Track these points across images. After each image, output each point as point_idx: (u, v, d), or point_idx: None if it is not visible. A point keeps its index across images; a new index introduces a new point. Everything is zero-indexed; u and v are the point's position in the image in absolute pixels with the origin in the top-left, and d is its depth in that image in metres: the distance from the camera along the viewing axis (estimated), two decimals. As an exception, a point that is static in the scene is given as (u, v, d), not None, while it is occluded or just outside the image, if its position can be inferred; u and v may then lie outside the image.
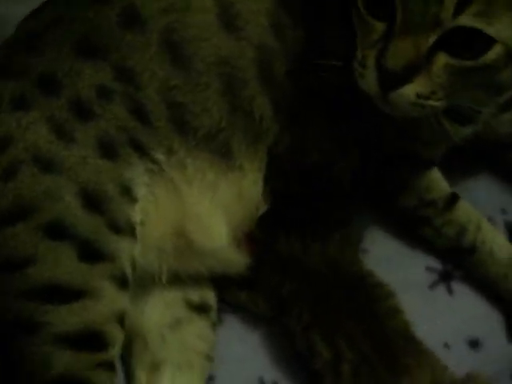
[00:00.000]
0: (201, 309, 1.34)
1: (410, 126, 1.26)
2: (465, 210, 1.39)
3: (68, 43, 1.24)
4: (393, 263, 1.43)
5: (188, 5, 1.26)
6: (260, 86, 1.28)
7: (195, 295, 1.34)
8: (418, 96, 1.07)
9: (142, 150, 1.24)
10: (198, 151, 1.27)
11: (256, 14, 1.27)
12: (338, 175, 1.36)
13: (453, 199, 1.38)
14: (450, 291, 1.42)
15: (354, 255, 1.38)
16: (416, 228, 1.41)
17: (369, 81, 1.10)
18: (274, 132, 1.30)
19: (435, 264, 1.44)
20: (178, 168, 1.26)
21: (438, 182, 1.39)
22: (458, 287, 1.43)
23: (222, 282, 1.37)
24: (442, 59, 1.06)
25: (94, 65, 1.23)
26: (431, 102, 1.09)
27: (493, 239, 1.37)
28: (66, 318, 1.14)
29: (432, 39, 1.05)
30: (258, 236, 1.32)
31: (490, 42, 1.04)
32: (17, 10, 1.38)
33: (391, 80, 1.07)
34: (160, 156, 1.25)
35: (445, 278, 1.43)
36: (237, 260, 1.31)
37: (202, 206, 1.28)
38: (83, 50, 1.24)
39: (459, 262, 1.41)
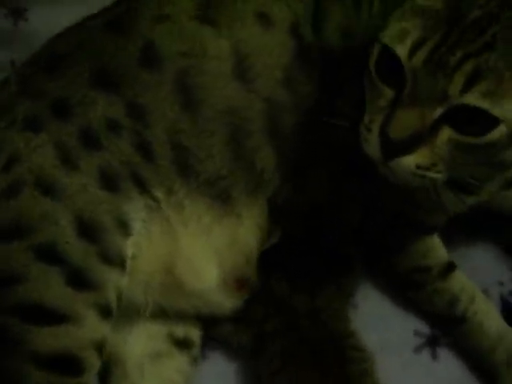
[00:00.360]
0: (183, 344, 1.37)
1: (412, 192, 1.25)
2: (460, 280, 1.39)
3: (87, 71, 1.28)
4: (381, 322, 1.44)
5: (205, 51, 1.29)
6: (265, 139, 1.30)
7: (179, 330, 1.37)
8: (418, 167, 1.09)
9: (142, 187, 1.27)
10: (198, 194, 1.30)
11: (270, 67, 1.30)
12: (336, 231, 1.37)
13: (449, 268, 1.39)
14: (434, 356, 1.43)
15: (342, 312, 1.39)
16: (408, 291, 1.42)
17: (372, 146, 1.12)
18: (274, 184, 1.33)
19: (424, 328, 1.45)
20: (175, 208, 1.29)
21: (436, 248, 1.40)
22: (443, 353, 1.43)
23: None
24: (445, 133, 1.07)
25: (108, 97, 1.27)
26: (431, 174, 1.10)
27: (485, 312, 1.37)
28: (47, 339, 1.18)
29: (438, 113, 1.06)
30: (250, 281, 1.34)
31: (495, 121, 1.05)
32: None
33: (393, 149, 1.08)
34: (160, 194, 1.28)
35: (431, 342, 1.43)
36: (224, 303, 1.34)
37: (194, 247, 1.31)
38: (100, 80, 1.27)
39: (448, 329, 1.41)
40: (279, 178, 1.33)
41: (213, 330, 1.41)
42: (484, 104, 1.03)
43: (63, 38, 1.34)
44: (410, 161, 1.08)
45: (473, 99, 1.03)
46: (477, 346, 1.38)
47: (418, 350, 1.44)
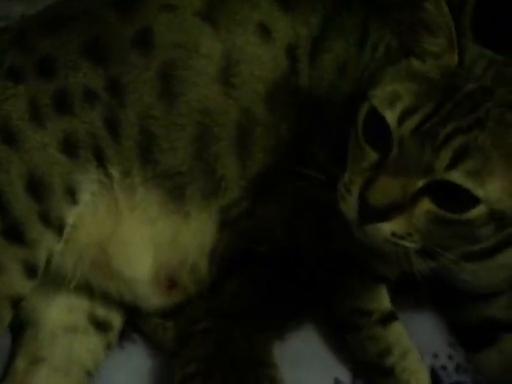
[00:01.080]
0: (101, 326, 1.37)
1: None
2: (397, 332, 1.37)
3: (82, 38, 1.29)
4: (304, 362, 1.43)
5: (198, 48, 1.30)
6: (231, 148, 1.30)
7: (101, 311, 1.37)
8: (394, 234, 1.07)
9: (101, 161, 1.28)
10: (153, 184, 1.30)
11: (256, 79, 1.30)
12: (285, 262, 1.37)
13: (390, 317, 1.37)
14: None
15: (272, 342, 1.38)
16: (345, 332, 1.40)
17: (349, 208, 1.09)
18: (231, 195, 1.32)
19: (344, 378, 1.43)
20: (127, 191, 1.29)
21: (381, 296, 1.38)
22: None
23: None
24: (425, 205, 1.05)
25: (93, 67, 1.28)
26: (405, 242, 1.08)
27: (414, 372, 1.34)
28: None
29: (420, 184, 1.04)
30: (180, 284, 1.33)
31: (475, 200, 1.03)
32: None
33: (370, 214, 1.06)
34: (116, 174, 1.29)
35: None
36: (151, 298, 1.34)
37: (134, 234, 1.30)
38: (91, 50, 1.29)
39: (371, 379, 1.39)
40: (237, 191, 1.32)
41: (140, 320, 1.41)
42: (468, 183, 1.01)
43: (71, 1, 1.35)
44: (385, 228, 1.06)
45: (457, 177, 1.01)
46: None
47: (337, 399, 1.39)
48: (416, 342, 1.39)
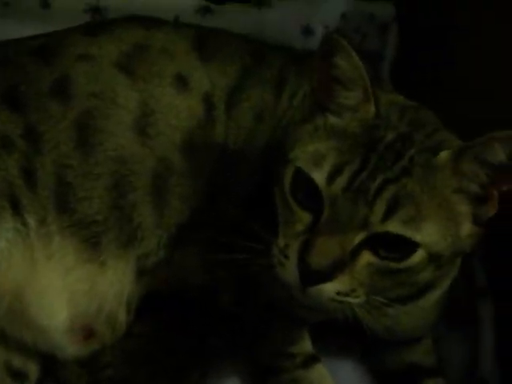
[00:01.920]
0: (17, 376, 1.36)
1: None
2: (321, 373, 1.37)
3: (0, 85, 1.30)
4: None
5: (114, 98, 1.31)
6: (147, 197, 1.31)
7: (17, 361, 1.35)
8: (338, 293, 1.07)
9: (17, 209, 1.28)
10: (69, 233, 1.30)
11: (172, 128, 1.31)
12: (205, 307, 1.37)
13: (313, 359, 1.37)
14: None
15: None
16: (267, 376, 1.39)
17: (289, 272, 1.09)
18: (147, 244, 1.33)
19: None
20: (43, 240, 1.29)
21: (303, 339, 1.38)
22: None
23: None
24: (365, 258, 1.06)
25: (10, 114, 1.29)
26: (349, 299, 1.08)
27: None
28: None
29: (358, 239, 1.05)
30: (97, 334, 1.33)
31: (414, 246, 1.04)
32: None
33: (313, 277, 1.06)
34: (32, 222, 1.28)
35: None
36: (65, 347, 1.33)
37: (50, 283, 1.30)
38: (9, 97, 1.30)
39: None
40: (154, 240, 1.32)
41: (57, 367, 1.39)
42: (405, 232, 1.03)
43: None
44: (329, 288, 1.06)
45: (393, 227, 1.03)
46: None
47: None
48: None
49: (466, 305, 1.55)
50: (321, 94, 1.13)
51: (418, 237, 1.03)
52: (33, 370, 1.37)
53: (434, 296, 1.29)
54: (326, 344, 1.45)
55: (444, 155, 1.07)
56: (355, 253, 1.05)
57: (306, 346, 1.38)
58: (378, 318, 1.23)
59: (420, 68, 1.69)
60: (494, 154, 1.05)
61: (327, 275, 1.05)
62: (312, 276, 1.05)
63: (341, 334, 1.46)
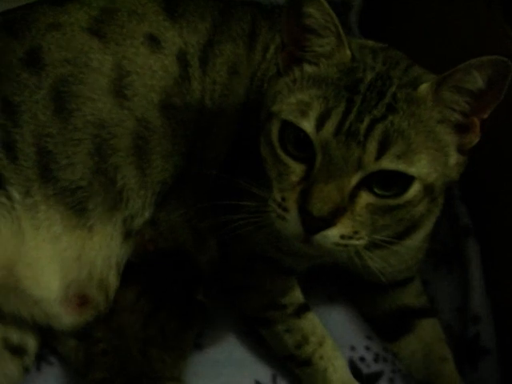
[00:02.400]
0: (16, 351, 1.35)
1: (278, 236, 1.24)
2: (312, 321, 1.38)
3: None
4: (224, 368, 1.44)
5: (88, 63, 1.30)
6: (129, 158, 1.31)
7: (15, 336, 1.35)
8: (342, 237, 1.07)
9: (0, 184, 1.25)
10: (54, 201, 1.29)
11: (148, 88, 1.31)
12: (192, 265, 1.37)
13: (303, 308, 1.38)
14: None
15: (176, 356, 1.37)
16: (260, 328, 1.41)
17: (291, 224, 1.09)
18: (132, 205, 1.33)
19: (265, 379, 1.44)
20: (29, 210, 1.28)
21: (293, 289, 1.39)
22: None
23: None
24: (364, 199, 1.07)
25: None
26: (353, 241, 1.09)
27: (331, 359, 1.36)
28: None
29: (355, 180, 1.06)
30: (91, 300, 1.33)
31: (410, 180, 1.06)
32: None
33: (316, 225, 1.06)
34: (16, 194, 1.28)
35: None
36: (61, 316, 1.33)
37: (40, 253, 1.29)
38: None
39: (294, 378, 1.40)
40: (139, 201, 1.32)
41: (56, 341, 1.40)
42: (399, 166, 1.05)
43: None
44: (333, 233, 1.07)
45: (387, 164, 1.04)
46: None
47: (257, 400, 1.39)
48: (333, 336, 1.41)
49: (451, 245, 1.56)
50: (293, 45, 1.13)
51: (412, 170, 1.05)
52: (31, 344, 1.37)
53: (420, 235, 1.31)
54: (315, 293, 1.48)
55: (424, 87, 1.08)
56: (353, 195, 1.06)
57: (297, 295, 1.39)
58: (367, 260, 1.24)
59: (386, 16, 1.70)
60: (472, 82, 1.06)
61: (330, 221, 1.05)
62: (315, 223, 1.06)
63: (330, 287, 1.48)
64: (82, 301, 1.32)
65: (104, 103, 1.30)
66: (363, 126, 1.05)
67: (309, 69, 1.13)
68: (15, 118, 1.28)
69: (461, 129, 1.10)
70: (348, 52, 1.11)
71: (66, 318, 1.32)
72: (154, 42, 1.32)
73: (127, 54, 1.32)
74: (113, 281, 1.33)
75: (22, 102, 1.28)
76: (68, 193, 1.30)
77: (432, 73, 1.14)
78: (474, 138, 1.11)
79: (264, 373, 1.43)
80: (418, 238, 1.31)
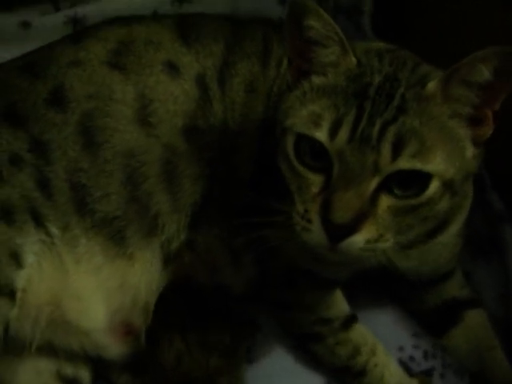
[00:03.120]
0: (71, 383, 1.38)
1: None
2: (361, 332, 1.40)
3: None
4: (276, 380, 1.45)
5: (111, 95, 1.33)
6: (160, 184, 1.33)
7: (69, 369, 1.38)
8: (367, 241, 1.09)
9: (39, 221, 1.30)
10: (93, 233, 1.32)
11: (172, 114, 1.34)
12: (229, 287, 1.41)
13: (351, 319, 1.40)
14: (331, 418, 1.40)
15: (237, 370, 1.40)
16: (310, 344, 1.42)
17: (316, 235, 1.11)
18: (168, 229, 1.35)
19: (319, 386, 1.42)
20: (69, 245, 1.31)
21: (338, 301, 1.41)
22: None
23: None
24: (384, 201, 1.08)
25: (14, 132, 1.31)
26: (380, 245, 1.10)
27: (386, 365, 1.38)
28: None
29: (373, 185, 1.07)
30: (136, 327, 1.35)
31: (428, 177, 1.07)
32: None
33: (340, 233, 1.08)
34: (55, 230, 1.31)
35: (328, 401, 1.40)
36: (110, 346, 1.35)
37: (84, 285, 1.32)
38: (8, 116, 1.32)
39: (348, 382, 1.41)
40: (174, 224, 1.35)
41: (111, 374, 1.42)
42: (416, 165, 1.06)
43: None
44: (358, 239, 1.08)
45: (404, 164, 1.06)
46: None
47: (311, 409, 1.40)
48: (380, 339, 1.43)
49: (487, 234, 1.57)
50: (299, 59, 1.16)
51: (429, 167, 1.06)
52: (85, 376, 1.40)
53: (452, 231, 1.32)
54: (359, 299, 1.48)
55: (432, 85, 1.10)
56: (374, 199, 1.08)
57: (342, 308, 1.41)
58: (406, 259, 1.25)
59: (399, 17, 1.71)
60: (478, 74, 1.08)
61: (353, 227, 1.07)
62: (339, 232, 1.07)
63: (373, 289, 1.49)
64: (127, 329, 1.35)
65: (131, 133, 1.32)
66: (375, 130, 1.06)
67: (317, 80, 1.15)
68: (46, 156, 1.31)
69: (474, 122, 1.11)
70: (353, 58, 1.13)
71: (114, 347, 1.35)
72: (172, 68, 1.35)
73: (148, 82, 1.34)
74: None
75: (51, 140, 1.31)
76: (105, 224, 1.32)
77: (440, 70, 1.15)
78: (487, 130, 1.12)
79: (317, 381, 1.44)
80: (450, 234, 1.32)
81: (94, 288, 1.32)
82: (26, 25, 1.82)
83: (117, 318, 1.34)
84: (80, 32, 1.48)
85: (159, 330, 1.37)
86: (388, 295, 1.51)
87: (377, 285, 1.48)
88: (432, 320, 1.49)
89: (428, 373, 1.45)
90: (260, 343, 1.47)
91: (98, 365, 1.41)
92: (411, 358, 1.47)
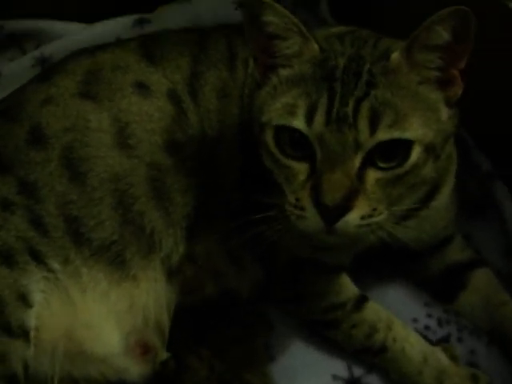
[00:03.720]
0: None
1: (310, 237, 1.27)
2: (374, 309, 1.42)
3: None
4: (299, 372, 1.46)
5: (87, 125, 1.36)
6: (151, 202, 1.36)
7: None
8: (362, 217, 1.12)
9: (39, 259, 1.32)
10: (93, 262, 1.35)
11: (150, 132, 1.37)
12: (236, 291, 1.43)
13: (362, 300, 1.41)
14: (356, 399, 1.41)
15: (261, 368, 1.41)
16: (326, 331, 1.44)
17: (311, 220, 1.14)
18: (166, 244, 1.37)
19: (342, 371, 1.46)
20: (73, 276, 1.34)
21: (346, 284, 1.43)
22: (366, 394, 1.41)
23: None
24: (372, 175, 1.12)
25: (1, 178, 1.34)
26: (374, 219, 1.13)
27: (405, 337, 1.39)
28: None
29: (358, 161, 1.11)
30: (152, 346, 1.37)
31: (409, 145, 1.10)
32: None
33: (334, 214, 1.11)
34: (56, 265, 1.33)
35: (351, 384, 1.42)
36: (129, 368, 1.37)
37: (93, 313, 1.34)
38: None
39: (370, 364, 1.43)
40: (170, 239, 1.37)
41: None
42: (394, 134, 1.09)
43: None
44: (353, 216, 1.11)
45: (383, 135, 1.09)
46: (403, 373, 1.39)
47: (339, 395, 1.42)
48: (393, 314, 1.44)
49: (479, 194, 1.60)
50: (263, 55, 1.19)
51: (407, 134, 1.09)
52: None
53: (444, 195, 1.35)
54: (366, 279, 1.50)
55: (396, 56, 1.13)
56: (361, 176, 1.11)
57: (351, 289, 1.43)
58: (405, 231, 1.27)
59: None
60: (437, 37, 1.11)
61: (346, 206, 1.10)
62: (333, 213, 1.10)
63: (377, 269, 1.52)
64: (144, 349, 1.36)
65: (113, 158, 1.35)
66: (350, 109, 1.09)
67: (284, 72, 1.18)
68: (35, 195, 1.33)
69: (443, 84, 1.14)
70: (315, 45, 1.16)
71: (134, 368, 1.37)
72: (142, 88, 1.38)
73: (121, 106, 1.37)
74: (166, 322, 1.38)
75: (37, 179, 1.34)
76: (104, 250, 1.35)
77: (400, 40, 1.18)
78: (457, 90, 1.16)
79: (339, 366, 1.46)
80: (442, 198, 1.35)
81: (104, 314, 1.35)
82: (-6, 74, 1.83)
83: (131, 340, 1.36)
84: (48, 70, 1.50)
85: (182, 352, 1.38)
86: (393, 271, 1.53)
87: (380, 263, 1.50)
88: (440, 288, 1.51)
89: (445, 339, 1.46)
90: (277, 340, 1.48)
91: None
92: (426, 328, 1.48)
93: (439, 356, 1.38)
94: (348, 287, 1.42)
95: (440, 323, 1.49)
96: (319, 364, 1.46)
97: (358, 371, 1.45)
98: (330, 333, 1.43)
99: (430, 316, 1.50)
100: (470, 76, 1.14)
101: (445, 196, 1.35)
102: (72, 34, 1.83)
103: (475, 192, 1.60)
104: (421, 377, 1.37)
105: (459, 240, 1.50)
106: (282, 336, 1.48)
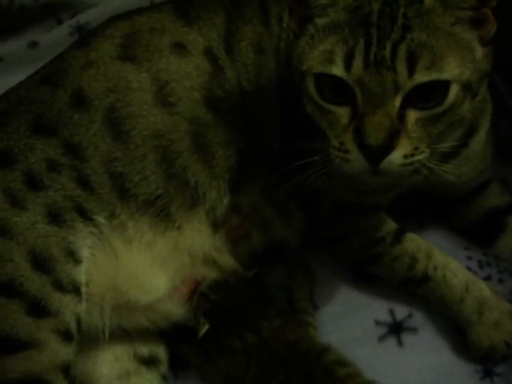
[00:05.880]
0: (150, 362, 1.45)
1: (350, 179, 1.32)
2: (413, 239, 1.46)
3: (26, 122, 1.40)
4: (341, 318, 1.50)
5: (128, 85, 1.40)
6: (193, 156, 1.40)
7: (144, 349, 1.45)
8: (405, 156, 1.15)
9: (85, 216, 1.37)
10: (139, 215, 1.39)
11: (189, 89, 1.40)
12: (285, 243, 1.48)
13: (400, 232, 1.45)
14: (400, 343, 1.47)
15: (310, 334, 1.45)
16: (368, 267, 1.49)
17: (356, 162, 1.17)
18: (210, 197, 1.41)
19: (384, 317, 1.49)
20: (118, 230, 1.39)
21: (384, 219, 1.47)
22: (408, 339, 1.47)
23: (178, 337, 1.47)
24: (412, 116, 1.14)
25: (46, 141, 1.38)
26: (417, 157, 1.16)
27: (445, 265, 1.43)
28: (12, 366, 1.27)
29: (398, 102, 1.13)
30: (200, 280, 1.43)
31: (446, 85, 1.13)
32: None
33: (378, 154, 1.14)
34: (102, 220, 1.38)
35: (394, 330, 1.48)
36: (174, 309, 1.42)
37: (138, 262, 1.40)
38: (38, 128, 1.39)
39: (415, 292, 1.47)
40: (214, 191, 1.41)
41: (189, 355, 1.48)
42: (432, 75, 1.12)
43: (5, 97, 1.46)
44: (396, 155, 1.14)
45: (421, 77, 1.11)
46: (445, 303, 1.43)
47: (382, 339, 1.48)
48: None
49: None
50: (299, 7, 1.22)
51: (444, 74, 1.12)
52: (161, 352, 1.47)
53: (481, 135, 1.39)
54: (406, 227, 1.51)
55: None
56: (401, 116, 1.14)
57: (390, 224, 1.46)
58: (441, 178, 1.29)
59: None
60: None
61: (388, 146, 1.13)
62: (376, 153, 1.13)
63: (415, 215, 1.55)
64: (192, 283, 1.43)
65: (154, 115, 1.39)
66: (387, 52, 1.12)
67: (320, 21, 1.20)
68: (81, 155, 1.38)
69: (476, 23, 1.16)
70: None
71: (178, 308, 1.42)
72: (180, 48, 1.42)
73: (160, 66, 1.41)
74: (218, 257, 1.44)
75: (82, 140, 1.38)
76: (149, 204, 1.39)
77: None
78: (491, 28, 1.18)
79: (381, 310, 1.49)
80: (479, 139, 1.38)
81: (148, 262, 1.40)
82: (34, 44, 1.91)
83: (177, 279, 1.41)
84: (86, 36, 1.53)
85: (225, 334, 1.43)
86: (432, 217, 1.56)
87: (420, 210, 1.53)
88: (478, 232, 1.54)
89: (486, 280, 1.48)
90: (319, 290, 1.53)
91: (175, 343, 1.47)
92: (467, 269, 1.49)
93: (481, 286, 1.40)
94: (386, 222, 1.46)
95: (481, 265, 1.52)
96: (361, 310, 1.50)
97: (400, 315, 1.49)
98: (373, 268, 1.48)
99: (470, 258, 1.53)
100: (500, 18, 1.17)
101: (481, 137, 1.39)
102: (107, 2, 1.87)
103: (509, 136, 1.61)
104: (462, 305, 1.40)
105: (496, 185, 1.54)
106: (323, 285, 1.52)
